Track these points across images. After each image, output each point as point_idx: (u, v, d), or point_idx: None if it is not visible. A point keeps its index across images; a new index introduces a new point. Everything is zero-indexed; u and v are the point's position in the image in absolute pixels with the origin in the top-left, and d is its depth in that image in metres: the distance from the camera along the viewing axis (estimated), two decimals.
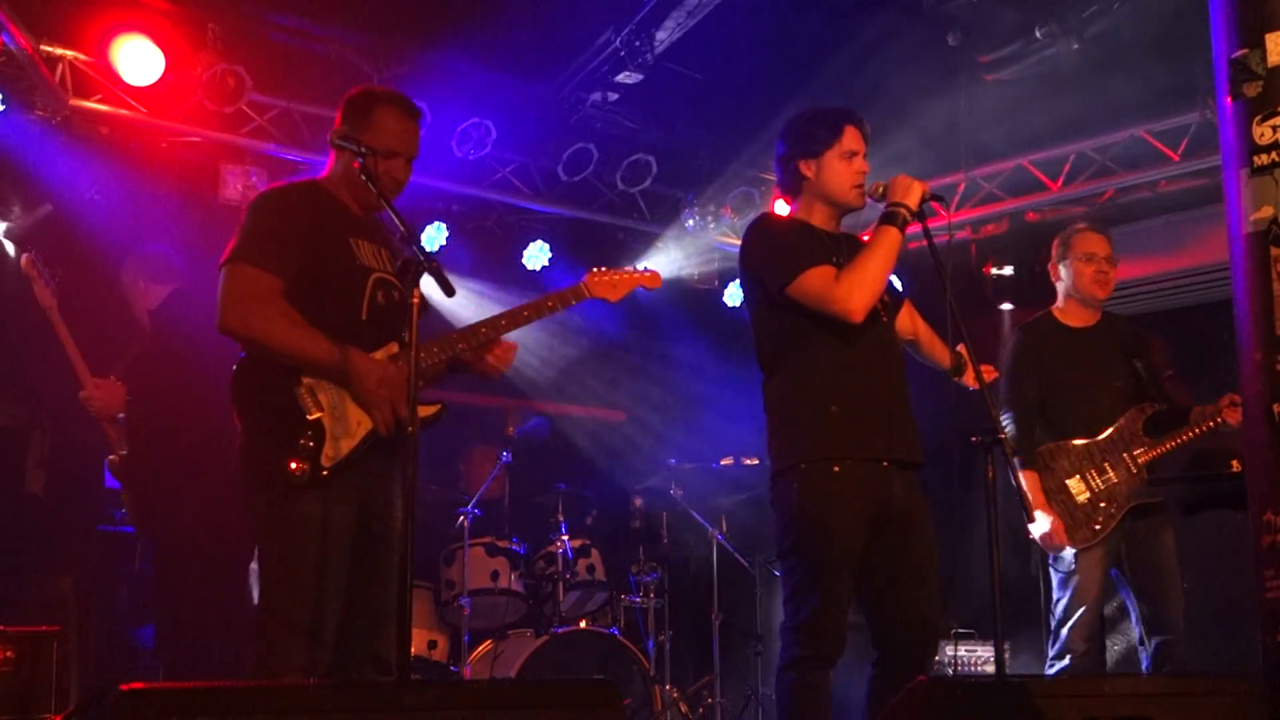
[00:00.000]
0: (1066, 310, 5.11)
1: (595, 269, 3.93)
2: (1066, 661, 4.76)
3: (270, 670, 3.37)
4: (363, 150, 3.51)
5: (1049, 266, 5.19)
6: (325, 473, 3.42)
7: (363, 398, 3.45)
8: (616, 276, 3.93)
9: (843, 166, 3.92)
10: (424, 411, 3.49)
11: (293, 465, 3.39)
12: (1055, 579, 4.91)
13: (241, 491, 3.52)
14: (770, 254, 3.86)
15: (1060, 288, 5.13)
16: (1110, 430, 4.91)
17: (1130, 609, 4.93)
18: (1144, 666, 4.86)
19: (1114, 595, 5.07)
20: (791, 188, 4.01)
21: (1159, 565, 4.88)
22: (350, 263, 3.59)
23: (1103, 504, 4.85)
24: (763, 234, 3.95)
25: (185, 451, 4.90)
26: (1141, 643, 4.88)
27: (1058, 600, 4.87)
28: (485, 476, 6.71)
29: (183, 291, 5.15)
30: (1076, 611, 4.78)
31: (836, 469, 3.74)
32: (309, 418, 3.43)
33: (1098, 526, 4.83)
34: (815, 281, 3.75)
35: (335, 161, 3.71)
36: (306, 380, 3.46)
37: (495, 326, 3.73)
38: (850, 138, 3.93)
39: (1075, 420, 4.95)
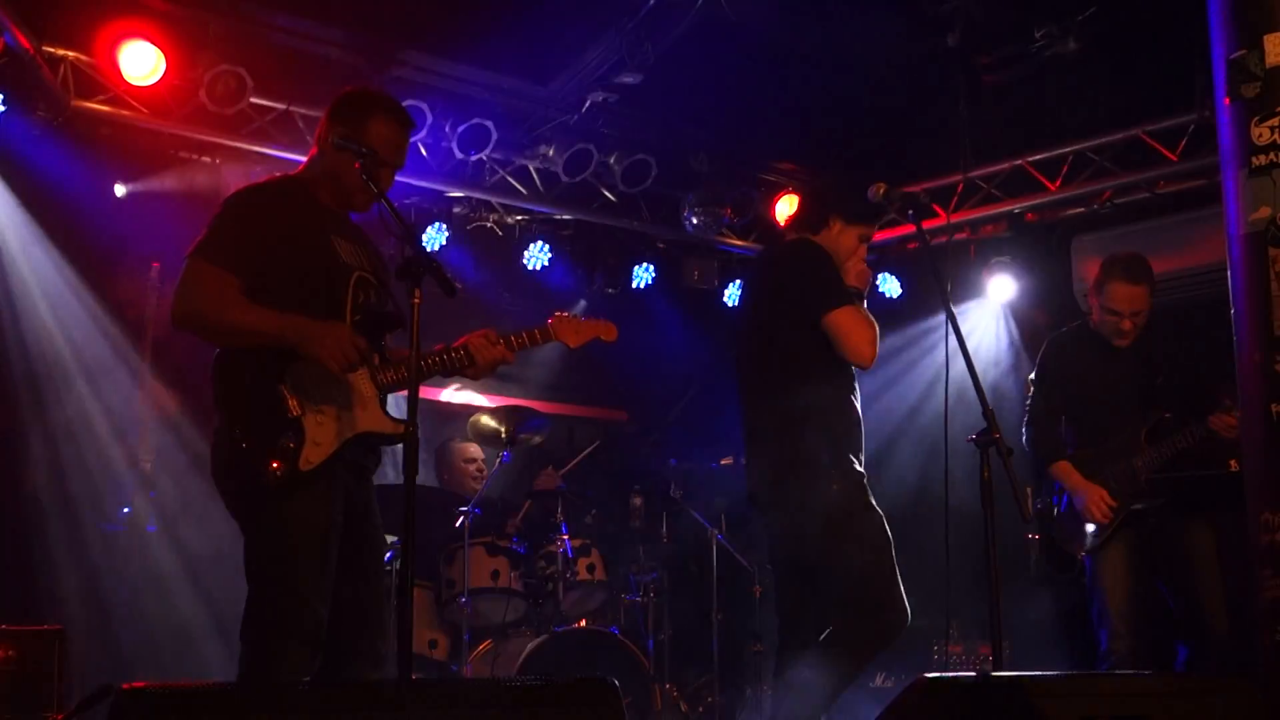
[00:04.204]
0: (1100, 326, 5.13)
1: (559, 313, 4.03)
2: (1111, 662, 4.78)
3: (257, 670, 3.36)
4: (364, 151, 3.53)
5: (1090, 287, 5.19)
6: (303, 474, 3.41)
7: (314, 351, 3.41)
8: (579, 324, 4.02)
9: (856, 246, 4.35)
10: (389, 428, 3.53)
11: (274, 465, 3.38)
12: (1087, 584, 4.95)
13: (224, 488, 3.51)
14: (816, 279, 4.16)
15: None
16: (1116, 439, 4.94)
17: (1172, 609, 4.95)
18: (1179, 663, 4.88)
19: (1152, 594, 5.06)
20: (810, 228, 4.36)
21: (1193, 563, 4.90)
22: (332, 261, 3.59)
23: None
24: (810, 258, 4.24)
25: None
26: (1180, 641, 4.91)
27: (1090, 605, 4.91)
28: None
29: None
30: (1108, 613, 4.81)
31: (858, 468, 4.16)
32: (290, 416, 3.43)
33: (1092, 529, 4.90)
34: (849, 320, 4.11)
35: (319, 158, 3.71)
36: (291, 378, 3.45)
37: (469, 354, 3.73)
38: (873, 230, 4.39)
39: (1090, 429, 4.99)
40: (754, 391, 4.31)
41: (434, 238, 7.08)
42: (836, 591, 4.09)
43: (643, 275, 8.08)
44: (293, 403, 3.43)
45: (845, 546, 4.06)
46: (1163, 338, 5.12)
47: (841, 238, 4.32)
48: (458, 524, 6.07)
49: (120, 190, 6.24)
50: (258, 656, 3.40)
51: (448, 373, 3.75)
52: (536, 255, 7.64)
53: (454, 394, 7.49)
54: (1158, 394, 4.97)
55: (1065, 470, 4.95)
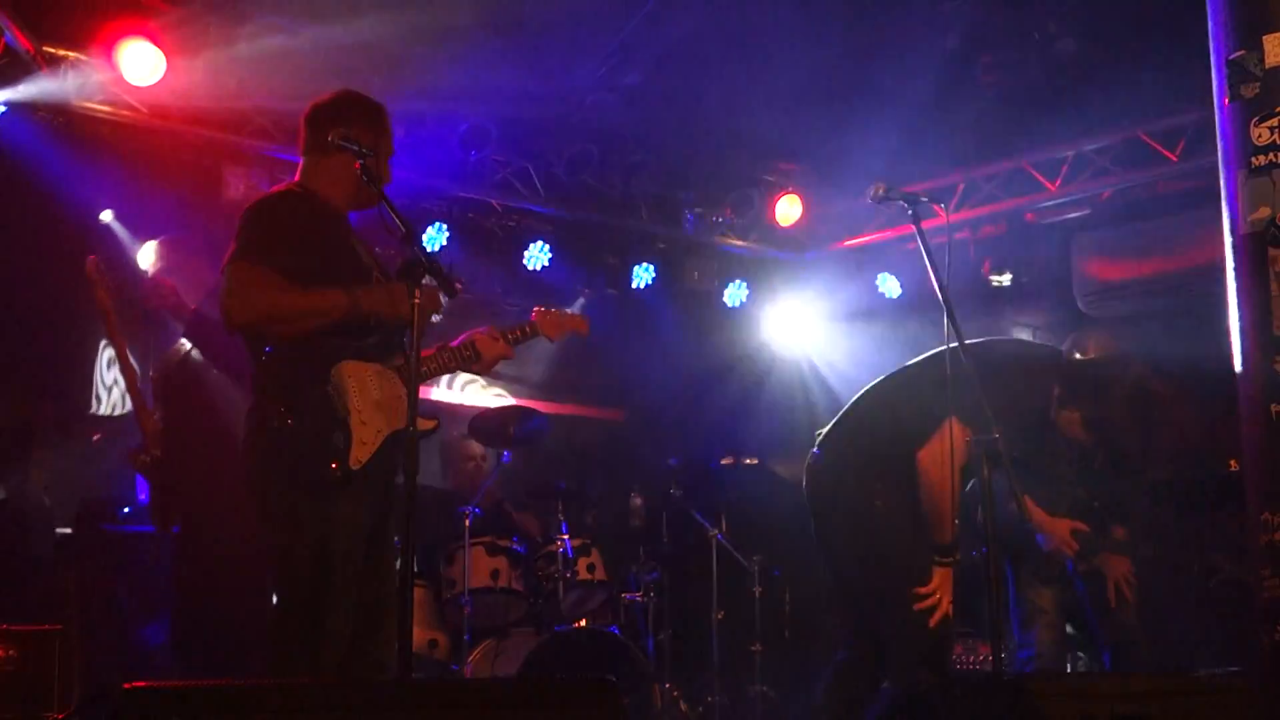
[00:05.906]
0: None
1: (540, 308, 4.12)
2: (1030, 652, 4.75)
3: (286, 670, 3.39)
4: (364, 151, 3.53)
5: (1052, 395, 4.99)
6: (354, 473, 3.44)
7: (400, 309, 3.45)
8: (560, 317, 4.13)
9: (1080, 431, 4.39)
10: (423, 425, 3.51)
11: (333, 465, 3.40)
12: (1011, 579, 4.90)
13: (261, 489, 3.51)
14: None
15: None
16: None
17: (1087, 610, 4.90)
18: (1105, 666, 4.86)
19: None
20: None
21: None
22: (356, 262, 3.62)
23: None
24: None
25: (219, 453, 4.89)
26: (1101, 646, 4.88)
27: (1020, 602, 4.87)
28: None
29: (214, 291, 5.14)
30: (1039, 611, 4.78)
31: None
32: (338, 416, 3.45)
33: None
34: (929, 465, 4.07)
35: (317, 164, 3.71)
36: (334, 381, 3.47)
37: (475, 349, 3.81)
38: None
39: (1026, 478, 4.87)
40: (868, 401, 4.42)
41: (434, 238, 7.09)
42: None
43: (643, 275, 8.09)
44: (339, 404, 3.46)
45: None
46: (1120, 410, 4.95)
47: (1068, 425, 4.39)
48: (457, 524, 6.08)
49: (107, 216, 6.20)
50: (282, 655, 3.42)
51: (458, 368, 3.88)
52: (536, 255, 7.64)
53: (454, 393, 7.51)
54: (1091, 478, 4.72)
55: (1030, 507, 4.76)
